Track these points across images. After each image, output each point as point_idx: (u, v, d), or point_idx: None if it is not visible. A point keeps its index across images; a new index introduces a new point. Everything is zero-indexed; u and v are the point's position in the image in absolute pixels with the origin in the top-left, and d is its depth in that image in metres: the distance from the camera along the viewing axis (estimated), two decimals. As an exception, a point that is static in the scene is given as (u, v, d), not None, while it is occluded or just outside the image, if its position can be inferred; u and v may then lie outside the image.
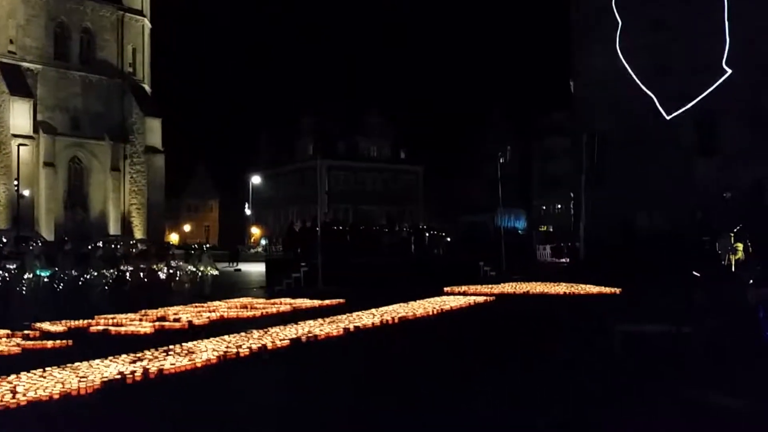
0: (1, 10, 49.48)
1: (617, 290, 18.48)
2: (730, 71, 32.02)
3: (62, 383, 7.36)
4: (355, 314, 13.49)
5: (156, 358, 8.85)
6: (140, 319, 13.56)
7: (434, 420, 6.28)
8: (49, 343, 10.62)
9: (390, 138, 69.16)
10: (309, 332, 11.13)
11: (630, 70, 34.63)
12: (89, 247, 17.74)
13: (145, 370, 8.03)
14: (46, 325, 12.49)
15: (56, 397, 6.93)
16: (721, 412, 6.32)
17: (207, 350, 9.37)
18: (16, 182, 43.01)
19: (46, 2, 51.69)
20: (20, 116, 49.13)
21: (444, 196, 70.23)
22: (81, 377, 7.64)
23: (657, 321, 9.28)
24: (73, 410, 6.66)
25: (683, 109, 33.59)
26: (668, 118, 33.77)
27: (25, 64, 50.67)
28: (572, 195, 42.91)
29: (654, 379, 7.62)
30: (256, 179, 63.71)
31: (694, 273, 8.93)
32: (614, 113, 34.92)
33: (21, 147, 44.02)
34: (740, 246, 16.16)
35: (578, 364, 8.79)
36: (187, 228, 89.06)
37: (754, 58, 31.97)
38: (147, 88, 58.23)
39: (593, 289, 19.14)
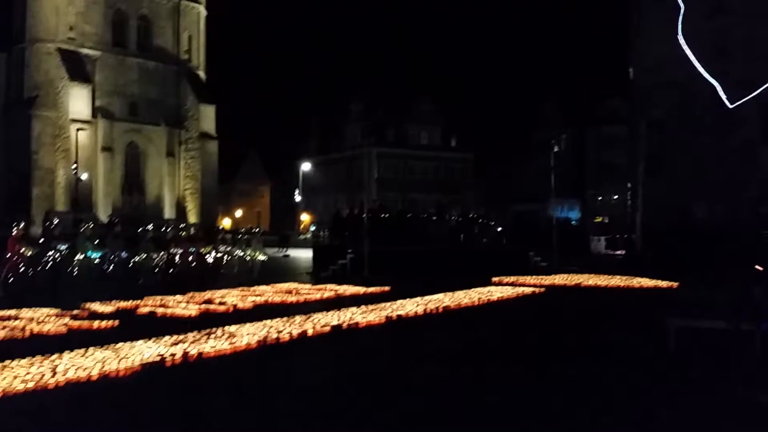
0: (61, -2, 50.76)
1: (674, 284, 17.76)
2: (798, 57, 30.40)
3: (102, 363, 7.39)
4: (398, 302, 13.30)
5: (197, 341, 8.84)
6: (187, 302, 13.68)
7: (462, 412, 6.04)
8: (96, 324, 10.76)
9: (440, 125, 68.43)
10: (351, 319, 10.98)
11: (692, 57, 33.22)
12: (139, 230, 18.00)
13: (185, 353, 8.01)
14: (96, 306, 12.71)
15: (94, 378, 6.95)
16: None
17: (248, 334, 9.32)
18: (74, 166, 44.25)
19: (104, -10, 52.82)
20: (79, 101, 50.43)
21: (495, 184, 69.21)
22: (121, 358, 7.66)
23: (714, 317, 8.77)
24: (109, 391, 6.65)
25: (748, 97, 32.06)
26: (731, 106, 32.26)
27: (84, 51, 51.92)
28: (629, 185, 41.65)
29: (709, 378, 7.19)
30: (306, 166, 64.09)
31: (757, 267, 8.37)
32: (674, 100, 33.62)
33: (80, 132, 45.25)
34: (808, 240, 15.26)
35: (630, 359, 8.39)
36: (238, 213, 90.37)
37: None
38: (202, 74, 59.06)
39: (649, 282, 18.46)
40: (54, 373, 6.89)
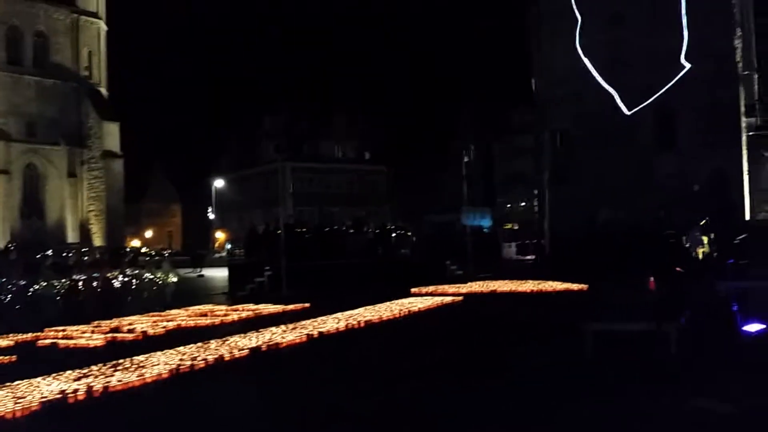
0: (-52, 13, 47.73)
1: (584, 287, 18.32)
2: (688, 66, 32.33)
3: (-4, 405, 6.78)
4: (319, 319, 13.05)
5: (103, 374, 8.29)
6: (92, 331, 12.91)
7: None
8: (-9, 360, 9.96)
9: (355, 139, 68.70)
10: (270, 340, 10.64)
11: (590, 67, 34.76)
12: (38, 256, 16.91)
13: (90, 388, 7.47)
14: (-9, 340, 11.79)
15: (-13, 422, 6.36)
16: (706, 417, 6.01)
17: (159, 364, 8.83)
18: (-33, 191, 41.47)
19: (-4, 5, 50.02)
20: (-29, 122, 47.43)
21: (410, 196, 69.97)
22: (18, 398, 7.06)
23: (628, 319, 9.02)
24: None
25: (643, 104, 33.83)
26: (628, 113, 33.96)
27: (-24, 69, 48.96)
28: (536, 192, 42.98)
29: (630, 383, 7.31)
30: (219, 183, 62.69)
31: (677, 269, 8.71)
32: (575, 110, 35.02)
33: (-28, 154, 42.46)
34: (706, 239, 16.11)
35: (549, 367, 8.47)
36: (149, 234, 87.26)
37: (710, 53, 32.35)
38: (104, 91, 56.75)
39: (559, 286, 18.97)
40: (-61, 421, 6.26)
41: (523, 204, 68.39)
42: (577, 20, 35.22)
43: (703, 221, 16.21)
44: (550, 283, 19.57)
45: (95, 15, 56.07)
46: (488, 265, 27.53)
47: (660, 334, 8.17)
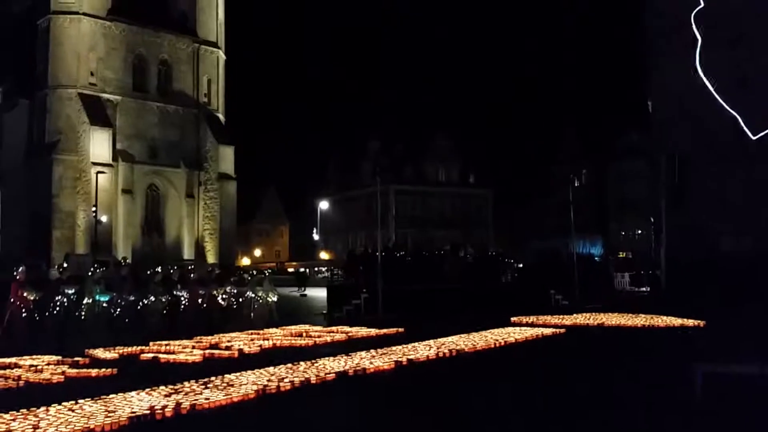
0: (82, 45, 51.84)
1: (701, 323, 17.01)
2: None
3: (88, 418, 6.98)
4: (410, 345, 12.77)
5: (193, 391, 8.40)
6: (193, 347, 13.29)
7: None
8: (94, 372, 10.38)
9: (458, 161, 68.16)
10: (358, 365, 10.47)
11: (711, 88, 32.74)
12: (148, 272, 17.71)
13: (178, 405, 7.56)
14: (99, 352, 12.36)
15: (77, 434, 6.53)
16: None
17: (247, 383, 8.86)
18: (94, 208, 44.55)
19: (125, 36, 53.87)
20: (100, 145, 51.01)
21: (515, 221, 68.52)
22: (109, 411, 7.25)
23: (744, 360, 8.14)
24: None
25: (770, 128, 31.40)
26: (754, 138, 31.63)
27: (105, 96, 52.77)
28: (652, 219, 40.79)
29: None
30: (323, 205, 63.97)
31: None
32: (695, 133, 32.97)
33: (100, 174, 45.62)
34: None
35: (653, 411, 7.75)
36: (257, 252, 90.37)
37: None
38: (221, 117, 59.71)
39: (675, 321, 17.70)
40: (34, 430, 6.49)
41: (639, 232, 65.30)
42: (696, 39, 33.39)
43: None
44: (665, 318, 18.30)
45: (215, 44, 59.26)
46: (597, 295, 26.22)
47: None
